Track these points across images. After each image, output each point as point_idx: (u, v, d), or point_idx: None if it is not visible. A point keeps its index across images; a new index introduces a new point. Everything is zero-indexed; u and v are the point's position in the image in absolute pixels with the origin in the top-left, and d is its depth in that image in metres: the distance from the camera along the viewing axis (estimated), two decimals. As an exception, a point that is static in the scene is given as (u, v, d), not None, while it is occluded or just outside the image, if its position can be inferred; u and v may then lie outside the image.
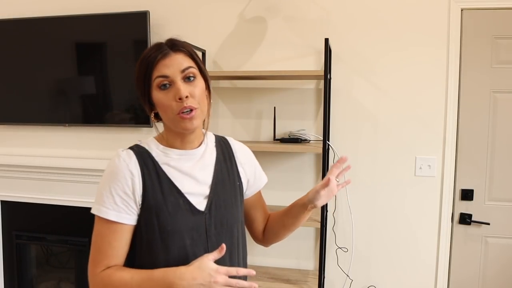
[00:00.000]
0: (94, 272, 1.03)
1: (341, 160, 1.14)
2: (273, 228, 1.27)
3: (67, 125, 2.66)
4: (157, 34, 2.51)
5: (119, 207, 1.02)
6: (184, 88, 1.01)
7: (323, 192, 1.12)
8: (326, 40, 2.05)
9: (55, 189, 2.69)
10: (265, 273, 2.38)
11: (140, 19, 2.45)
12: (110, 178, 1.04)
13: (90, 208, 2.91)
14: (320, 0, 2.37)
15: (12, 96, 2.71)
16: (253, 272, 1.01)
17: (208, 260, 0.98)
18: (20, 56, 2.67)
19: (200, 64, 1.08)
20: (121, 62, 2.52)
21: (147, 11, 2.45)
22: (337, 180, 1.15)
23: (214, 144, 1.18)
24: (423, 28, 2.27)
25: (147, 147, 1.09)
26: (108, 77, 2.56)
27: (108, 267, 1.02)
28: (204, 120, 1.11)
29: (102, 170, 2.55)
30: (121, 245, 1.04)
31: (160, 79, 1.02)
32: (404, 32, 2.30)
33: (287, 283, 2.25)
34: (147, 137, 1.16)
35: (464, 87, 2.28)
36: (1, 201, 2.83)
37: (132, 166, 1.04)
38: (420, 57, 2.29)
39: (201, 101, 1.05)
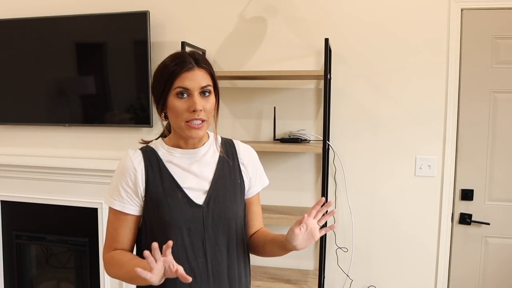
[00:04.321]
0: (104, 252, 1.20)
1: (320, 202, 1.10)
2: (256, 243, 1.29)
3: (67, 125, 2.66)
4: (157, 34, 2.52)
5: (123, 199, 1.17)
6: (199, 102, 1.12)
7: (298, 231, 1.07)
8: (326, 40, 2.06)
9: (55, 189, 2.69)
10: (265, 273, 2.38)
11: (140, 19, 2.45)
12: (118, 174, 1.19)
13: (90, 208, 2.92)
14: (320, 0, 2.37)
15: (12, 96, 2.71)
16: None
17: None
18: (20, 56, 2.66)
19: (216, 81, 1.19)
20: (121, 62, 2.53)
21: (147, 11, 2.45)
22: (319, 223, 1.11)
23: (219, 145, 1.27)
24: (423, 28, 2.27)
25: (154, 147, 1.23)
26: (108, 77, 2.56)
27: (115, 250, 1.19)
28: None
29: (102, 170, 2.56)
30: (125, 232, 1.19)
31: (181, 89, 1.13)
32: (404, 32, 2.30)
33: (287, 283, 2.25)
34: (147, 137, 1.26)
35: (464, 87, 2.28)
36: (1, 201, 2.83)
37: (136, 164, 1.18)
38: (420, 57, 2.29)
39: (210, 114, 1.17)
